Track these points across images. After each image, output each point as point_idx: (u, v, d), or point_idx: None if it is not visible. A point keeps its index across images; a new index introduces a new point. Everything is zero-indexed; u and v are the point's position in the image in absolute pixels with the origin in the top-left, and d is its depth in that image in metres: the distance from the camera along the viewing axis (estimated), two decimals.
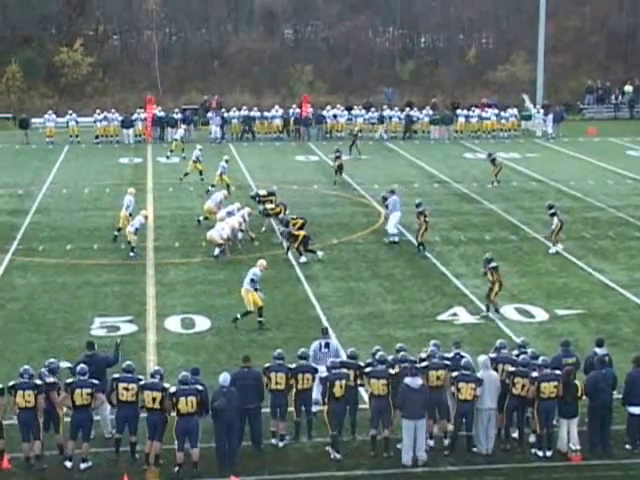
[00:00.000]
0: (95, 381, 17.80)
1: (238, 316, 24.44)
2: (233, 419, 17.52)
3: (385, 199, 33.79)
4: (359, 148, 49.50)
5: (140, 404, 17.68)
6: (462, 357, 18.58)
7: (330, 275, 29.17)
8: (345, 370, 18.34)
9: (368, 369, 18.24)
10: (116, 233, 32.61)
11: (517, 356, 18.74)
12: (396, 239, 32.39)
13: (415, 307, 26.20)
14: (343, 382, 18.06)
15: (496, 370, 18.36)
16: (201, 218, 34.60)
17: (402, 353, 18.66)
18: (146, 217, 32.16)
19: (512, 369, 18.22)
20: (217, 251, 30.69)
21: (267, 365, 18.52)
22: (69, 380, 17.69)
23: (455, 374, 18.04)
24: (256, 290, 24.47)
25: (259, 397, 18.22)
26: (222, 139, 54.78)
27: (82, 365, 17.97)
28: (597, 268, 29.72)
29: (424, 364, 18.32)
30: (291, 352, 19.39)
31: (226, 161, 40.20)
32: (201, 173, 42.10)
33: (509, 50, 71.55)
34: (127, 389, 17.64)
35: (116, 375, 17.94)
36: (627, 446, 18.29)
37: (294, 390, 18.58)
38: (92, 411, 17.81)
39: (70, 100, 64.48)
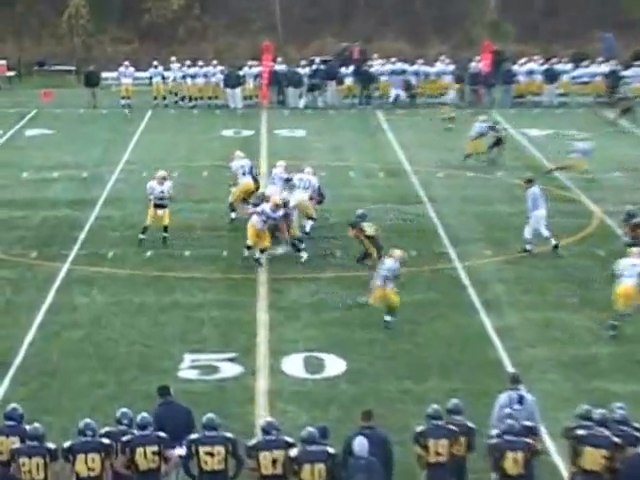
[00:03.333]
0: (162, 434, 17.96)
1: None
2: None
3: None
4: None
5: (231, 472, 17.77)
6: None
7: (518, 301, 29.06)
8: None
9: (581, 432, 18.00)
10: (165, 234, 32.94)
11: None
12: (528, 247, 32.25)
13: None
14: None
15: None
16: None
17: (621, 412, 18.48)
18: (164, 178, 32.95)
19: None
20: (280, 250, 31.91)
21: (420, 429, 18.38)
22: (126, 437, 17.91)
23: None
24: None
25: (387, 471, 18.19)
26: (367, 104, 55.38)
27: (144, 414, 18.13)
28: None
29: None
30: (468, 409, 19.17)
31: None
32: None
33: None
34: (211, 454, 17.66)
35: (194, 435, 18.04)
36: None
37: None
38: (162, 478, 18.04)
39: (154, 47, 65.64)
